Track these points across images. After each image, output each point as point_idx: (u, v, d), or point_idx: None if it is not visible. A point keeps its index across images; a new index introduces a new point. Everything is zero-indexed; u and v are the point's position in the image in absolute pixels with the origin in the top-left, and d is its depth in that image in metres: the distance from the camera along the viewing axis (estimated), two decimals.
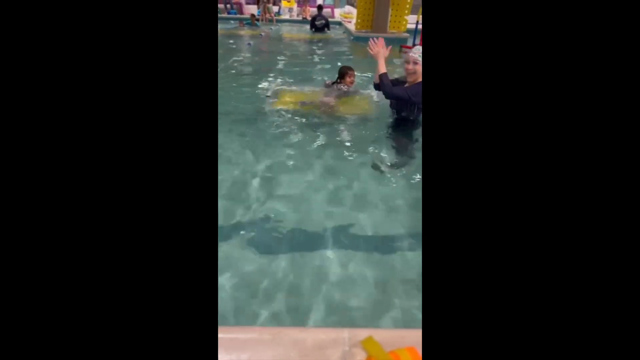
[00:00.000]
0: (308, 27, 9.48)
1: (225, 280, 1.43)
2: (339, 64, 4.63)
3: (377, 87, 2.83)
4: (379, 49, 2.60)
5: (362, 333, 0.80)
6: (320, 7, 9.50)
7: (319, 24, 9.11)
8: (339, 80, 3.56)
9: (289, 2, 12.39)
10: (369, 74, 4.44)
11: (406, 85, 2.64)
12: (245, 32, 8.72)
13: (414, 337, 0.80)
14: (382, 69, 2.59)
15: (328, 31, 9.17)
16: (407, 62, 2.58)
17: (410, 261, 1.58)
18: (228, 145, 2.52)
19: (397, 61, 5.47)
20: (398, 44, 6.86)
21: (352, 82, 3.54)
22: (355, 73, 3.64)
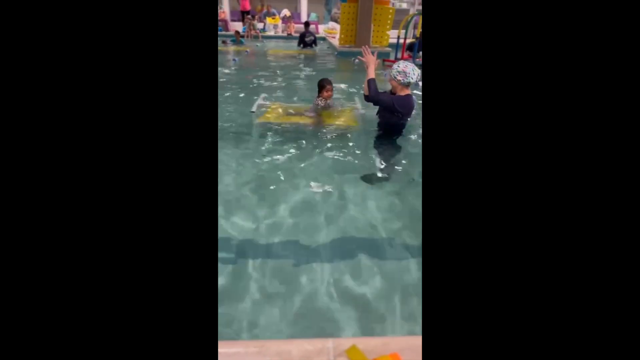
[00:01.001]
0: (294, 43, 9.66)
1: None
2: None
3: (367, 98, 2.91)
4: (371, 57, 2.72)
5: (346, 342, 0.82)
6: (307, 24, 9.69)
7: (308, 40, 9.29)
8: (317, 95, 3.55)
9: (273, 19, 12.60)
10: (356, 88, 4.53)
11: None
12: (230, 48, 8.81)
13: (397, 344, 0.82)
14: (371, 74, 2.69)
15: (315, 47, 9.35)
16: (390, 78, 2.70)
17: (400, 270, 1.61)
18: None
19: (381, 74, 5.59)
20: (381, 59, 7.03)
21: (329, 96, 3.49)
22: (341, 86, 3.66)
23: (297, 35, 9.88)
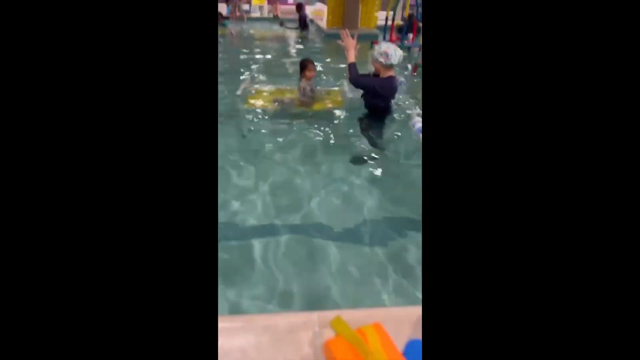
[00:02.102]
0: (277, 25, 9.52)
1: None
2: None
3: (350, 81, 2.88)
4: (350, 41, 2.67)
5: (331, 314, 0.84)
6: (301, 5, 9.49)
7: (309, 21, 9.23)
8: (300, 76, 3.38)
9: None
10: (341, 67, 4.49)
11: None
12: None
13: (380, 315, 0.85)
14: (351, 58, 2.66)
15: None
16: (373, 60, 2.67)
17: (385, 246, 1.64)
18: None
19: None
20: (369, 40, 6.96)
21: (312, 76, 3.32)
22: (329, 68, 3.60)
23: (283, 17, 9.72)
